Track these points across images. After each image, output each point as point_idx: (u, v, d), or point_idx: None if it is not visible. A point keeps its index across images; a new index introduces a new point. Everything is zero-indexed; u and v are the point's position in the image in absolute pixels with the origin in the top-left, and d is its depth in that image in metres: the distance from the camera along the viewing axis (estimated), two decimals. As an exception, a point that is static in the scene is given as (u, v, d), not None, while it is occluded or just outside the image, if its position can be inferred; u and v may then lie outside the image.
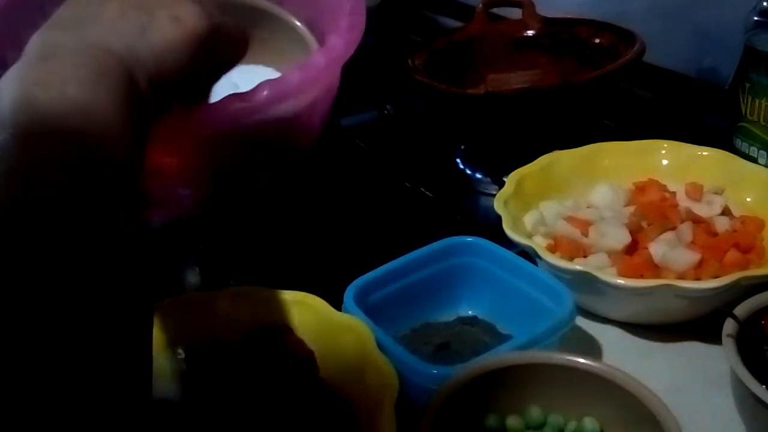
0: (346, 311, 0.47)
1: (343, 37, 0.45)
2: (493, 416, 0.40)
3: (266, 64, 0.50)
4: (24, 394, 0.21)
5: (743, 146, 0.64)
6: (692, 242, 0.52)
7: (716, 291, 0.46)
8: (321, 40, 0.57)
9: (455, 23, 1.03)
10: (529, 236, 0.55)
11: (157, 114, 0.31)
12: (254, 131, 0.41)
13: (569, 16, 0.82)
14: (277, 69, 0.49)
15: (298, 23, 0.52)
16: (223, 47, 0.35)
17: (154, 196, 0.39)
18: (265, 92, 0.38)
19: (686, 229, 0.52)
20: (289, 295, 0.48)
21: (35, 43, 0.28)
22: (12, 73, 0.27)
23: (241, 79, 0.41)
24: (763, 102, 0.61)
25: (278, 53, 0.51)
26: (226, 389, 0.44)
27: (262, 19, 0.52)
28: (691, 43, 0.82)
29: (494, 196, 0.57)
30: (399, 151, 0.83)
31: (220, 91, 0.38)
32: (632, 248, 0.53)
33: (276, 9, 0.53)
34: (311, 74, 0.41)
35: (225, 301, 0.48)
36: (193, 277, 0.61)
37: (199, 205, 0.52)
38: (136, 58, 0.29)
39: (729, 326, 0.42)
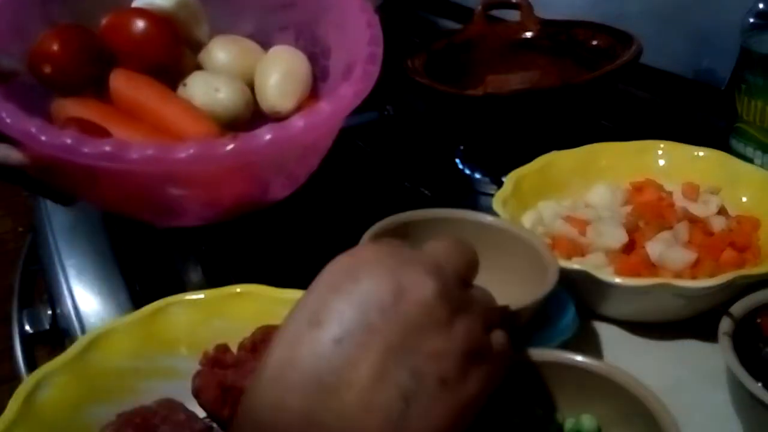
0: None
1: (354, 86, 0.50)
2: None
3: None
4: None
5: (739, 147, 0.64)
6: (689, 241, 0.52)
7: (712, 290, 0.46)
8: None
9: (454, 25, 1.03)
10: (528, 236, 0.55)
11: None
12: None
13: (567, 18, 0.82)
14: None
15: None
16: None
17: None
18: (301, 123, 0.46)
19: (683, 229, 0.53)
20: (290, 294, 0.48)
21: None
22: None
23: None
24: (759, 103, 0.61)
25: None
26: (230, 388, 0.44)
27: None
28: (688, 44, 0.82)
29: (493, 196, 0.58)
30: (399, 152, 0.84)
31: None
32: (629, 247, 0.53)
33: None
34: (318, 120, 0.48)
35: (227, 300, 0.49)
36: (195, 276, 0.61)
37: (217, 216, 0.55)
38: None
39: (725, 324, 0.43)
